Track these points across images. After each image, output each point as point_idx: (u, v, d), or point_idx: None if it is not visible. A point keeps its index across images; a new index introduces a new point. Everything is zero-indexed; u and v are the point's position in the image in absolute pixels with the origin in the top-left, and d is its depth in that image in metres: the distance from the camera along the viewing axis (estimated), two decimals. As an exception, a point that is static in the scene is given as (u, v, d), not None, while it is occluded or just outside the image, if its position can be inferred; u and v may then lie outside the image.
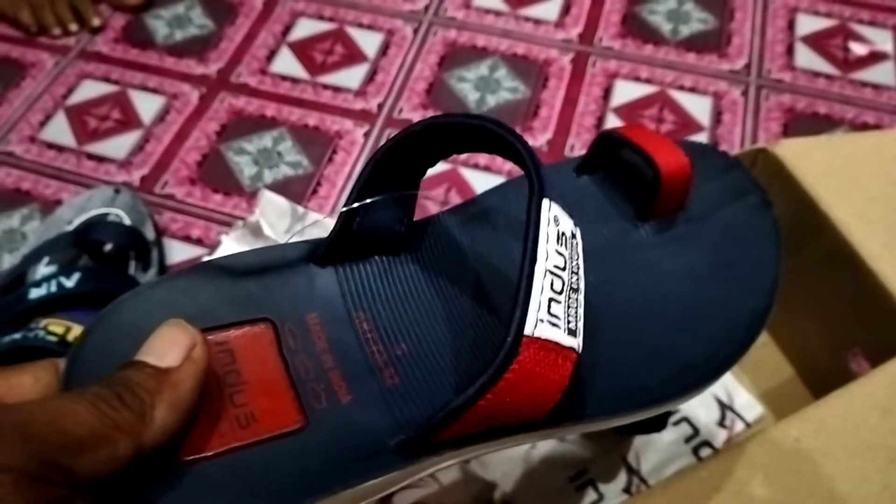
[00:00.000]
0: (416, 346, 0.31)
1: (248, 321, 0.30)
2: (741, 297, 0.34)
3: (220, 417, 0.27)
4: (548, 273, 0.25)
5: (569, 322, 0.26)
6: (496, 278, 0.33)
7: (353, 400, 0.29)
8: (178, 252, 0.66)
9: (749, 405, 0.55)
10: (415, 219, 0.34)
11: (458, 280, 0.33)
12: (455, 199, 0.70)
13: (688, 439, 0.54)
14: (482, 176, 0.72)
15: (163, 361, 0.25)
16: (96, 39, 0.85)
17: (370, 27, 0.86)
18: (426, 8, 0.87)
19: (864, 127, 0.76)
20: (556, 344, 0.25)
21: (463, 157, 0.74)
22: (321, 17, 0.87)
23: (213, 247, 0.65)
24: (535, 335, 0.24)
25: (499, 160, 0.73)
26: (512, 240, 0.34)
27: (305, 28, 0.86)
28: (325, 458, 0.27)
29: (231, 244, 0.54)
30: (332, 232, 0.31)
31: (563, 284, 0.25)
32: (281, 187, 0.71)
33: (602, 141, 0.36)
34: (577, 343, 0.26)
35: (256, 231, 0.59)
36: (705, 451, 0.54)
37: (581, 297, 0.27)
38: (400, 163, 0.31)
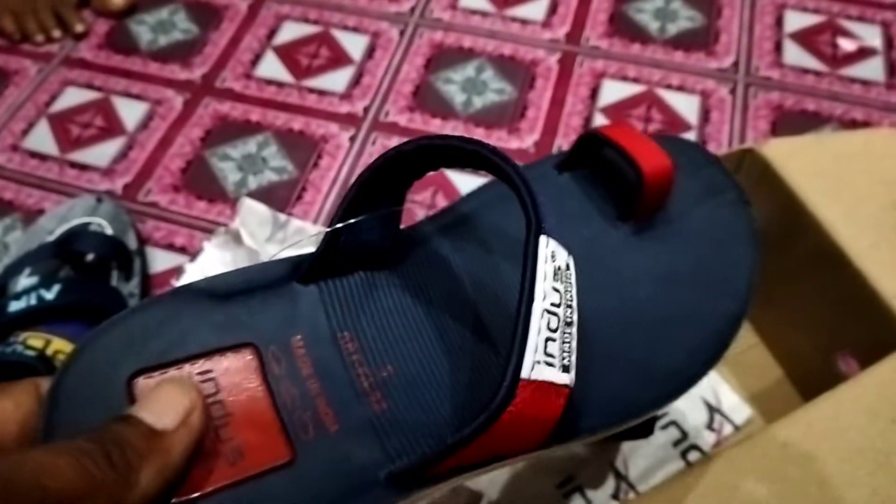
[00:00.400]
0: (403, 366, 0.30)
1: (232, 347, 0.29)
2: (717, 300, 0.34)
3: (208, 454, 0.26)
4: (545, 313, 0.25)
5: (563, 358, 0.26)
6: (480, 288, 0.33)
7: (341, 429, 0.28)
8: (162, 260, 0.66)
9: (737, 407, 0.55)
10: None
11: (442, 291, 0.33)
12: (442, 203, 0.69)
13: (676, 443, 0.54)
14: (470, 178, 0.71)
15: (158, 422, 0.24)
16: (80, 46, 0.84)
17: (356, 29, 0.85)
18: (412, 9, 0.87)
19: (853, 123, 0.75)
20: (552, 383, 0.25)
21: (450, 159, 0.73)
22: (306, 20, 0.86)
23: (196, 253, 0.64)
24: (532, 378, 0.24)
25: (486, 162, 0.72)
26: (495, 247, 0.34)
27: (290, 31, 0.85)
28: (315, 494, 0.27)
29: (213, 251, 0.54)
30: (316, 250, 0.31)
31: (559, 321, 0.25)
32: (266, 193, 0.70)
33: (585, 139, 0.36)
34: (570, 378, 0.26)
35: (238, 238, 0.59)
36: (694, 455, 0.53)
37: (575, 330, 0.26)
38: (388, 180, 0.30)
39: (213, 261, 0.54)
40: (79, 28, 0.85)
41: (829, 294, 0.50)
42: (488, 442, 0.25)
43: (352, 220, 0.30)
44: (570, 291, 0.26)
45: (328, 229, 0.30)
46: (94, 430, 0.23)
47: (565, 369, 0.26)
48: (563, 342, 0.25)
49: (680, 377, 0.32)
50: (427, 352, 0.31)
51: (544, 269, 0.25)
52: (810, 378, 0.56)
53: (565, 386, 0.26)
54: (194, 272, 0.57)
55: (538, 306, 0.24)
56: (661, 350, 0.32)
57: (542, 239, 0.25)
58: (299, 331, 0.30)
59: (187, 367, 0.28)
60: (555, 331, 0.25)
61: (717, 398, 0.55)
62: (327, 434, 0.28)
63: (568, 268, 0.26)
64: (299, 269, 0.31)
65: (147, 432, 0.24)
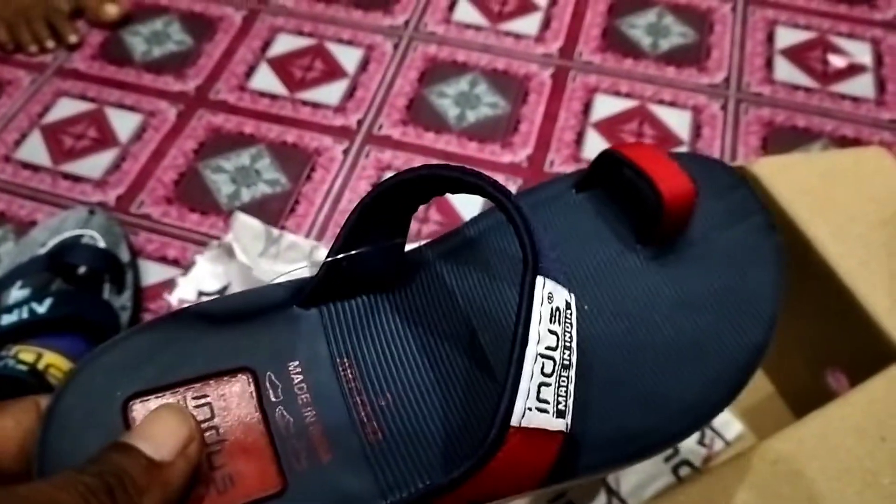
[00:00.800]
0: (401, 395, 0.30)
1: (228, 371, 0.29)
2: (739, 329, 0.32)
3: (198, 481, 0.26)
4: (538, 357, 0.24)
5: (559, 404, 0.25)
6: (484, 315, 0.32)
7: (334, 459, 0.28)
8: (154, 273, 0.66)
9: (728, 423, 0.55)
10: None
11: (445, 318, 0.32)
12: (435, 217, 0.70)
13: (667, 458, 0.54)
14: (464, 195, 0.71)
15: (157, 454, 0.24)
16: (73, 57, 0.84)
17: (350, 42, 0.85)
18: (406, 23, 0.87)
19: (843, 140, 0.76)
20: (544, 430, 0.24)
21: (443, 173, 0.73)
22: (301, 33, 0.86)
23: (189, 266, 0.64)
24: (522, 425, 0.24)
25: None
26: (499, 274, 0.33)
27: (285, 44, 0.85)
28: None
29: (205, 264, 0.54)
30: (316, 276, 0.31)
31: (555, 365, 0.25)
32: (259, 205, 0.70)
33: (603, 158, 0.35)
34: (565, 424, 0.25)
35: (231, 252, 0.59)
36: (685, 471, 0.53)
37: (573, 373, 0.26)
38: (389, 206, 0.30)
39: (205, 274, 0.54)
40: (72, 39, 0.85)
41: (819, 311, 0.50)
42: (478, 485, 0.24)
43: (353, 252, 0.29)
44: (570, 332, 0.26)
45: (328, 259, 0.30)
46: (94, 462, 0.23)
47: (560, 415, 0.25)
48: (560, 386, 0.25)
49: (695, 411, 0.31)
50: (426, 381, 0.30)
51: (540, 311, 0.24)
52: (801, 394, 0.56)
53: (559, 432, 0.25)
54: (186, 286, 0.57)
55: (531, 350, 0.24)
56: (675, 381, 0.31)
57: (539, 280, 0.24)
58: (298, 356, 0.30)
59: (182, 392, 0.28)
60: (550, 375, 0.24)
61: (707, 414, 0.55)
62: (320, 464, 0.28)
63: (568, 307, 0.26)
64: (300, 294, 0.31)
65: (147, 465, 0.24)
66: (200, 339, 0.29)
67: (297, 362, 0.30)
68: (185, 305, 0.30)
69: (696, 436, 0.55)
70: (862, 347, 0.47)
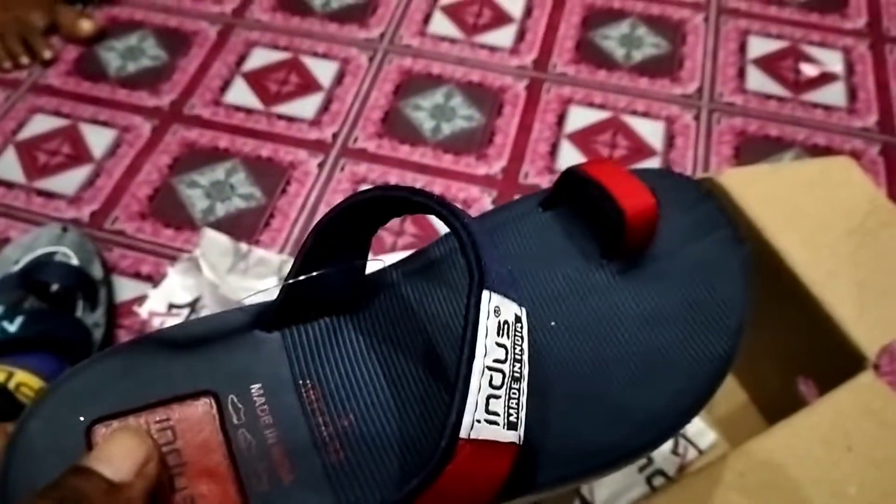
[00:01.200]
0: (363, 415, 0.30)
1: (191, 395, 0.29)
2: (705, 341, 0.32)
3: None
4: (486, 370, 0.24)
5: (509, 415, 0.25)
6: (446, 337, 0.32)
7: (296, 480, 0.28)
8: (128, 289, 0.65)
9: (701, 432, 0.55)
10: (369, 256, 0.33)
11: (407, 339, 0.32)
12: (410, 230, 0.70)
13: (641, 468, 0.54)
14: (437, 205, 0.71)
15: (116, 475, 0.24)
16: (48, 72, 0.84)
17: (325, 56, 0.86)
18: (382, 36, 0.87)
19: (815, 148, 0.77)
20: (495, 442, 0.25)
21: (418, 185, 0.73)
22: (276, 47, 0.86)
23: (160, 279, 0.64)
24: (472, 437, 0.24)
25: (454, 188, 0.73)
26: (464, 292, 0.33)
27: (260, 58, 0.85)
28: None
29: (176, 277, 0.54)
30: (276, 300, 0.31)
31: (504, 377, 0.25)
32: (233, 220, 0.70)
33: (567, 177, 0.35)
34: (517, 436, 0.25)
35: (199, 268, 0.58)
36: (659, 480, 0.54)
37: (524, 385, 0.26)
38: (345, 229, 0.30)
39: (176, 287, 0.54)
40: (47, 55, 0.84)
41: (789, 320, 0.51)
42: (432, 500, 0.24)
43: (309, 275, 0.30)
44: (520, 345, 0.26)
45: (287, 282, 0.30)
46: (53, 487, 0.23)
47: (511, 426, 0.25)
48: (510, 398, 0.25)
49: (661, 423, 0.31)
50: (388, 401, 0.30)
51: (486, 324, 0.24)
52: (774, 402, 0.57)
53: (511, 444, 0.25)
54: (157, 299, 0.57)
55: (479, 363, 0.24)
56: (642, 395, 0.31)
57: (485, 294, 0.25)
58: (260, 379, 0.30)
59: (145, 416, 0.28)
60: (499, 387, 0.24)
61: (681, 424, 0.55)
62: (281, 485, 0.28)
63: (518, 320, 0.26)
64: (262, 317, 0.31)
65: (105, 486, 0.24)
66: (163, 364, 0.29)
67: (259, 385, 0.30)
68: (149, 333, 0.30)
69: (669, 445, 0.55)
70: (830, 356, 0.47)
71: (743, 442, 0.42)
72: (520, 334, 0.26)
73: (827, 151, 0.76)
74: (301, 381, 0.30)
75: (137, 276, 0.66)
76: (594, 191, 0.34)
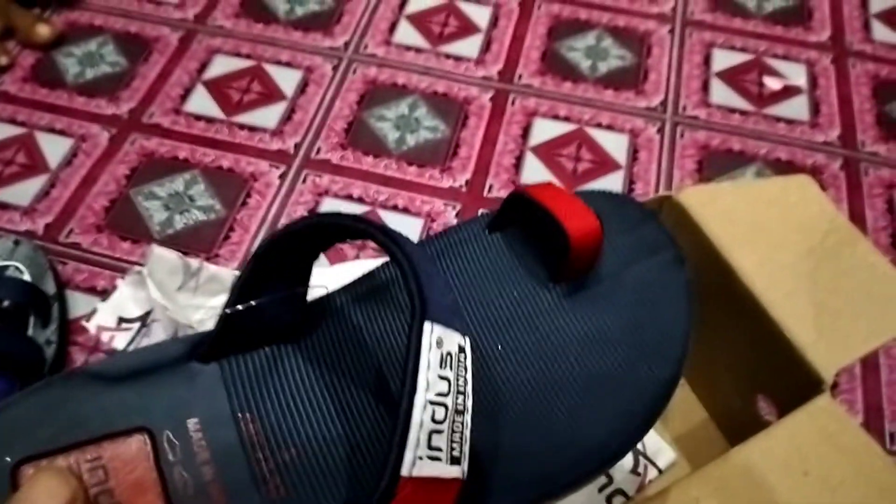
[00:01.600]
0: (306, 447, 0.29)
1: (124, 431, 0.28)
2: (649, 364, 0.32)
3: None
4: (428, 405, 0.24)
5: (452, 450, 0.24)
6: (393, 362, 0.32)
7: None
8: (83, 304, 0.64)
9: (661, 451, 0.55)
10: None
11: (353, 367, 0.31)
12: (371, 243, 0.69)
13: (601, 488, 0.54)
14: (401, 218, 0.71)
15: None
16: (3, 79, 0.82)
17: (289, 64, 0.84)
18: (346, 44, 0.87)
19: (777, 163, 0.77)
20: (438, 478, 0.24)
21: (382, 197, 0.73)
22: (238, 55, 0.85)
23: (110, 292, 0.62)
24: (414, 475, 0.23)
25: (418, 201, 0.72)
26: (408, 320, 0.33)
27: (222, 65, 0.84)
28: None
29: (127, 289, 0.52)
30: (214, 330, 0.30)
31: (447, 411, 0.24)
32: (192, 233, 0.69)
33: (513, 199, 0.36)
34: (461, 470, 0.25)
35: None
36: (619, 500, 0.53)
37: (468, 418, 0.25)
38: (286, 256, 0.30)
39: (126, 300, 0.53)
40: (3, 61, 0.82)
41: (747, 340, 0.51)
42: None
43: (248, 304, 0.29)
44: (464, 376, 0.25)
45: (226, 310, 0.29)
46: None
47: (455, 461, 0.25)
48: (453, 432, 0.24)
49: (608, 448, 0.31)
50: (333, 432, 0.30)
51: (428, 357, 0.24)
52: (734, 420, 0.57)
53: (455, 479, 0.25)
54: (107, 311, 0.55)
55: (420, 398, 0.23)
56: (588, 419, 0.31)
57: (427, 326, 0.24)
58: (197, 413, 0.29)
59: (75, 455, 0.27)
60: (442, 422, 0.24)
61: (641, 442, 0.55)
62: None
63: (461, 351, 0.25)
64: (199, 348, 0.30)
65: None
66: (96, 399, 0.28)
67: (196, 419, 0.29)
68: (81, 366, 0.29)
69: (629, 464, 0.55)
70: (788, 377, 0.47)
71: (703, 460, 0.42)
72: (463, 365, 0.26)
73: (789, 166, 0.77)
74: (240, 415, 0.29)
75: (92, 290, 0.65)
76: (539, 214, 0.34)
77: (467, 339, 0.26)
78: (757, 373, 0.52)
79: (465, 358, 0.26)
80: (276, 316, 0.30)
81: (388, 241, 0.26)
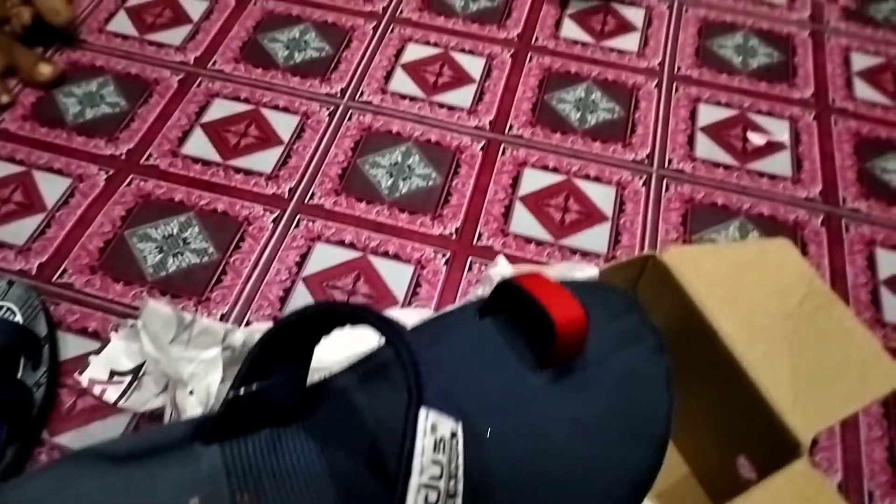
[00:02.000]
0: None
1: None
2: (631, 448, 0.34)
3: None
4: (422, 488, 0.25)
5: None
6: (391, 443, 0.32)
7: None
8: (74, 346, 0.65)
9: (642, 507, 0.56)
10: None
11: (352, 447, 0.32)
12: (363, 289, 0.70)
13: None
14: (392, 264, 0.72)
15: None
16: (4, 117, 0.83)
17: (286, 109, 0.86)
18: (343, 91, 0.88)
19: (760, 217, 0.79)
20: None
21: (373, 243, 0.74)
22: (237, 99, 0.87)
23: (102, 346, 0.63)
24: None
25: (408, 248, 0.74)
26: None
27: (220, 109, 0.85)
28: None
29: (119, 342, 0.53)
30: (217, 413, 0.31)
31: (440, 494, 0.25)
32: (185, 275, 0.70)
33: (502, 288, 0.37)
34: None
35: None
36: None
37: (459, 501, 0.26)
38: (291, 339, 0.31)
39: (118, 353, 0.54)
40: (4, 99, 0.84)
41: (727, 400, 0.52)
42: None
43: (249, 389, 0.30)
44: (455, 461, 0.26)
45: (230, 393, 0.30)
46: None
47: None
48: None
49: None
50: None
51: (423, 442, 0.25)
52: (714, 477, 0.57)
53: None
54: (99, 365, 0.56)
55: (414, 481, 0.24)
56: (573, 501, 0.32)
57: (422, 412, 0.25)
58: (197, 493, 0.30)
59: None
60: None
61: (622, 496, 0.56)
62: None
63: (454, 436, 0.26)
64: (202, 430, 0.31)
65: None
66: (100, 479, 0.29)
67: (195, 500, 0.30)
68: (89, 446, 0.30)
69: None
70: (767, 439, 0.48)
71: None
72: (455, 450, 0.27)
73: (771, 221, 0.79)
74: (239, 495, 0.30)
75: (84, 332, 0.66)
76: (526, 302, 0.35)
77: (460, 425, 0.27)
78: (736, 433, 0.53)
79: (458, 443, 0.27)
80: (277, 398, 0.32)
81: (389, 330, 0.27)
